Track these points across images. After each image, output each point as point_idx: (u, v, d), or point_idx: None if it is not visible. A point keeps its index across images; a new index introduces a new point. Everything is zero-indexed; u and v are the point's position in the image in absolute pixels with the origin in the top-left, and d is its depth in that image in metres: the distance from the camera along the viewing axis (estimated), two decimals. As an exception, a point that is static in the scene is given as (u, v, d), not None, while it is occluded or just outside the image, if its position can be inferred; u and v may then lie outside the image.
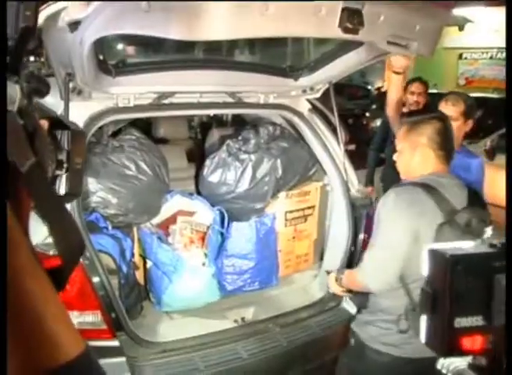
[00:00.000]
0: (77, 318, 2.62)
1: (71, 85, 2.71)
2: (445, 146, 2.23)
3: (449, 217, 2.08)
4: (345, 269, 2.61)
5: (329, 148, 3.55)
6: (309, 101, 3.66)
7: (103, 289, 2.63)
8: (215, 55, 3.34)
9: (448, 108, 3.25)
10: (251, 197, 3.45)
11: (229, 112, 3.68)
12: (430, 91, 11.72)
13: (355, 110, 10.18)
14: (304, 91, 3.47)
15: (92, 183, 2.95)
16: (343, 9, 2.11)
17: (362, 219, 3.37)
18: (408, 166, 2.30)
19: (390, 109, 3.53)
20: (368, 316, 2.33)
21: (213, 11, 1.99)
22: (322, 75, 3.24)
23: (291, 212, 3.59)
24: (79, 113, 2.93)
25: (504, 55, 15.52)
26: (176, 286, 3.05)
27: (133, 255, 3.04)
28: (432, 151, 2.22)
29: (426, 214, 2.10)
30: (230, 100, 3.28)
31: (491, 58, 15.98)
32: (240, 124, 3.99)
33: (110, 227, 2.92)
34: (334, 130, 3.64)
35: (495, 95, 11.40)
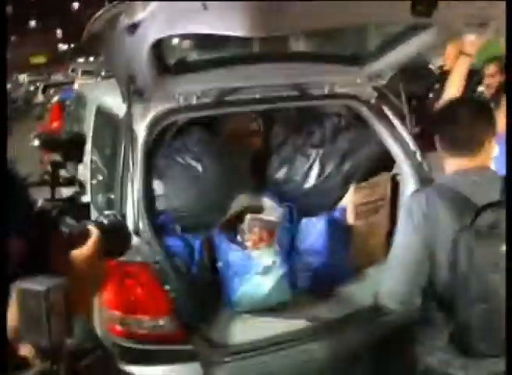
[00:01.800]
0: (149, 322, 2.61)
1: (133, 87, 2.68)
2: (455, 136, 1.94)
3: (470, 221, 1.80)
4: None
5: (398, 137, 3.41)
6: (375, 88, 3.51)
7: (174, 292, 2.60)
8: (275, 46, 3.25)
9: None
10: (320, 192, 3.35)
11: (294, 105, 3.57)
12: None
13: (418, 92, 9.83)
14: (370, 78, 3.33)
15: (158, 186, 2.93)
16: None
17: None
18: None
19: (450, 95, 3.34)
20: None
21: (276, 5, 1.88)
22: (389, 60, 3.09)
23: (362, 204, 3.46)
24: (142, 115, 2.92)
25: None
26: (246, 286, 2.98)
27: (202, 256, 2.99)
28: (438, 138, 2.00)
29: (441, 222, 1.86)
30: (294, 93, 3.19)
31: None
32: (304, 115, 3.88)
33: (179, 229, 2.88)
34: (401, 116, 3.49)
35: None
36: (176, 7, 2.06)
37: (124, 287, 2.61)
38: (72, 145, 3.45)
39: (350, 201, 3.43)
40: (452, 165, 1.98)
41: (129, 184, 2.69)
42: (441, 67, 12.74)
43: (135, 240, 2.59)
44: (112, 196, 2.94)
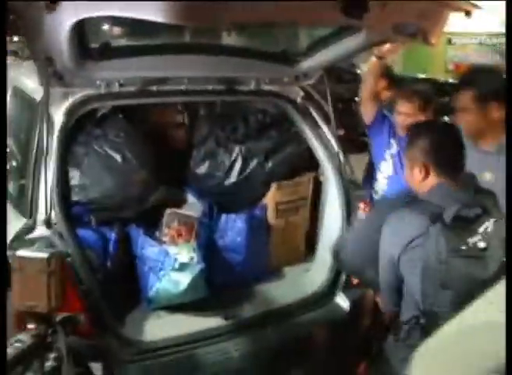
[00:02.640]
0: (58, 316, 2.48)
1: (51, 70, 2.54)
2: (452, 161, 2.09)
3: (435, 218, 1.94)
4: None
5: (323, 138, 3.42)
6: (302, 87, 3.51)
7: (85, 286, 2.49)
8: (205, 38, 3.17)
9: (403, 105, 3.22)
10: (241, 189, 3.32)
11: (219, 99, 3.52)
12: (419, 75, 11.53)
13: (344, 94, 9.97)
14: (297, 78, 3.32)
15: (74, 175, 2.79)
16: None
17: (356, 211, 3.24)
18: None
19: (364, 91, 3.48)
20: None
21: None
22: (318, 61, 3.08)
23: (282, 203, 3.45)
24: (60, 100, 2.78)
25: (493, 40, 15.45)
26: (162, 282, 2.89)
27: (117, 249, 2.88)
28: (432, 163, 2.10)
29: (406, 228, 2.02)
30: (220, 87, 3.13)
31: (480, 43, 15.87)
32: (229, 110, 3.83)
33: (94, 221, 2.76)
34: (326, 117, 3.52)
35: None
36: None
37: (31, 279, 2.47)
38: None
39: (271, 199, 3.42)
40: (433, 180, 2.07)
41: (43, 172, 2.55)
42: (367, 72, 13.07)
43: (45, 231, 2.47)
44: (24, 183, 2.79)
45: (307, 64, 3.15)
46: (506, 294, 1.83)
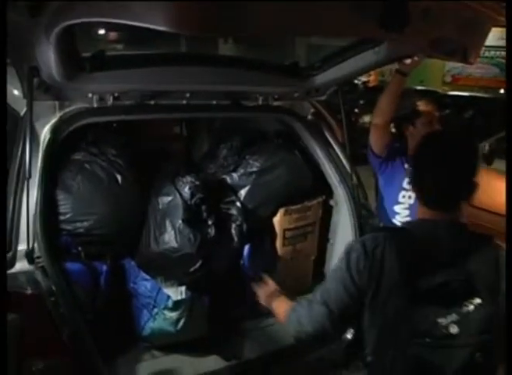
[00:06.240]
0: (39, 364, 2.16)
1: (36, 81, 2.24)
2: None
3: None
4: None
5: (334, 158, 3.14)
6: (311, 102, 3.24)
7: (72, 327, 2.18)
8: (203, 47, 2.88)
9: (426, 105, 2.94)
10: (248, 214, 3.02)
11: (223, 115, 3.21)
12: (417, 87, 11.34)
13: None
14: (309, 93, 3.04)
15: (62, 200, 2.46)
16: (386, 5, 1.68)
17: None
18: None
19: (380, 116, 2.96)
20: None
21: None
22: (333, 75, 2.81)
23: (290, 229, 3.16)
24: (46, 115, 2.47)
25: (491, 53, 15.34)
26: (157, 319, 2.61)
27: (109, 284, 2.56)
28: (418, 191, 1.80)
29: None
30: (225, 102, 2.84)
31: (477, 55, 15.75)
32: (230, 125, 3.52)
33: (83, 254, 2.44)
34: (334, 134, 3.26)
35: (484, 94, 11.11)
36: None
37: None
38: None
39: (277, 225, 3.13)
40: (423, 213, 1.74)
41: (25, 196, 2.24)
42: (364, 83, 12.90)
43: (27, 266, 2.16)
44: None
45: (320, 79, 2.87)
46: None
